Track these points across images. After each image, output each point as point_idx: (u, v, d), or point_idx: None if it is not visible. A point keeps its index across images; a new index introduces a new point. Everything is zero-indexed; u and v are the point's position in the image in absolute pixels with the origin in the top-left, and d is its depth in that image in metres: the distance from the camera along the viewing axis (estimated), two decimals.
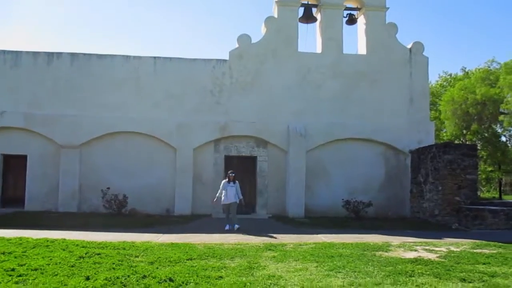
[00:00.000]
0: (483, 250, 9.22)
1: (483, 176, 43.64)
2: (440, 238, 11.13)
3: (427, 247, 9.57)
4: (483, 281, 6.36)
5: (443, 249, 9.39)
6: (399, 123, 17.19)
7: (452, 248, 9.48)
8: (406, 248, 9.46)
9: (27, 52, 16.67)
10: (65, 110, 16.35)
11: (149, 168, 16.47)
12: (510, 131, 34.76)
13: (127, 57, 16.89)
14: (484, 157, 36.14)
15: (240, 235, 11.25)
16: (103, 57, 16.84)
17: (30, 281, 5.52)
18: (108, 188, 15.27)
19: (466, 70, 35.92)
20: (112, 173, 16.26)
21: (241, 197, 12.86)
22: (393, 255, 8.47)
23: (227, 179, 12.98)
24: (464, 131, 32.42)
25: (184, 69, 16.81)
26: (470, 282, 6.27)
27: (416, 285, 5.98)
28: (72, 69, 16.59)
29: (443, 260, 8.04)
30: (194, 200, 16.32)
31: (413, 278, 6.43)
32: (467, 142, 34.84)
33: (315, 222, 14.43)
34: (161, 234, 10.98)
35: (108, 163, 16.39)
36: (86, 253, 7.51)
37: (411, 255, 8.57)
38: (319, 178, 16.87)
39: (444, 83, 37.47)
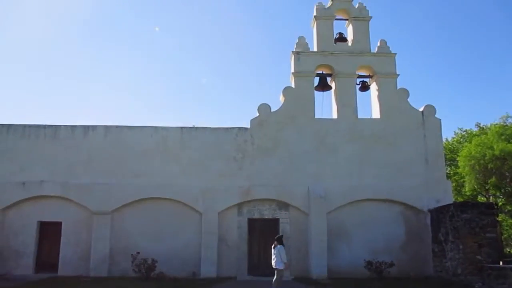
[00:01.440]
0: None
1: (511, 232, 42.80)
2: None
3: None
4: None
5: None
6: (416, 183, 17.72)
7: None
8: None
9: (65, 126, 18.17)
10: (98, 179, 17.49)
11: (176, 232, 17.22)
12: None
13: (155, 127, 18.21)
14: (510, 211, 35.76)
15: None
16: (133, 128, 18.20)
17: None
18: (138, 252, 16.01)
19: (481, 125, 36.51)
20: (141, 237, 17.04)
21: (284, 261, 12.83)
22: None
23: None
24: (486, 186, 32.40)
25: (208, 137, 17.98)
26: None
27: None
28: (105, 140, 17.92)
29: None
30: (219, 263, 16.83)
31: None
32: (491, 197, 34.74)
33: (338, 283, 14.74)
34: None
35: (137, 228, 17.21)
36: None
37: None
38: (341, 239, 17.28)
39: (461, 139, 37.95)
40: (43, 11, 62.93)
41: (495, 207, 17.57)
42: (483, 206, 15.30)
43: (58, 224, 17.37)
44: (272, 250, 13.22)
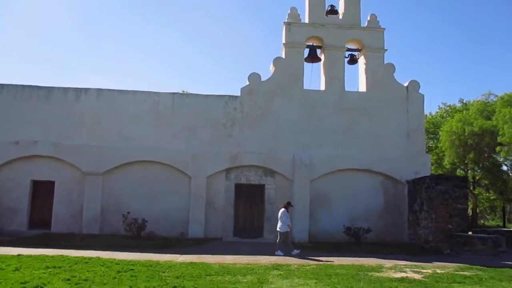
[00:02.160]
0: (464, 273, 10.47)
1: (487, 205, 44.59)
2: (430, 262, 12.36)
3: (415, 269, 10.84)
4: None
5: (429, 271, 10.66)
6: (397, 155, 18.56)
7: (438, 270, 10.74)
8: (396, 269, 10.74)
9: (58, 88, 18.41)
10: (90, 141, 17.94)
11: (165, 194, 17.90)
12: (511, 161, 35.80)
13: (147, 92, 18.56)
14: (487, 185, 37.25)
15: (253, 256, 12.54)
16: (125, 92, 18.52)
17: (88, 287, 6.93)
18: (129, 212, 16.73)
19: (464, 101, 37.48)
20: (131, 198, 17.71)
21: (287, 224, 13.94)
22: (383, 275, 9.78)
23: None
24: (465, 160, 33.62)
25: (199, 104, 18.44)
26: None
27: None
28: (97, 103, 18.25)
29: (425, 279, 9.34)
30: (206, 224, 17.66)
31: None
32: (469, 171, 36.08)
33: (318, 246, 15.70)
34: (180, 255, 12.34)
35: (128, 190, 17.84)
36: (121, 269, 8.92)
37: (399, 275, 9.87)
38: (322, 206, 18.18)
39: (444, 114, 38.95)
40: None
41: (467, 181, 18.57)
42: (457, 179, 16.25)
43: (51, 183, 17.90)
44: (280, 213, 14.28)
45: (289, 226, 14.18)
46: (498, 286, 8.79)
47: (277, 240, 14.16)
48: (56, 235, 16.42)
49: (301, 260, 12.12)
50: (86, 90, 18.41)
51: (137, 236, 16.29)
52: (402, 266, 11.37)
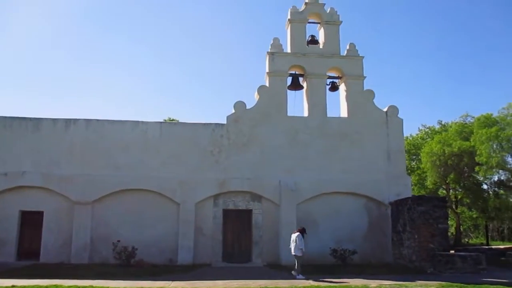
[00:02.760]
0: None
1: (470, 223, 45.44)
2: (413, 281, 12.84)
3: None
4: None
5: None
6: (379, 177, 19.21)
7: None
8: None
9: (47, 119, 18.73)
10: (80, 170, 18.19)
11: (154, 221, 18.15)
12: (490, 179, 36.79)
13: (136, 122, 19.00)
14: (469, 204, 38.09)
15: (243, 280, 12.84)
16: (114, 122, 18.93)
17: None
18: (119, 240, 16.91)
19: (443, 123, 38.74)
20: (121, 226, 17.89)
21: (300, 248, 14.62)
22: None
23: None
24: (446, 180, 34.49)
25: (186, 132, 18.93)
26: None
27: None
28: (86, 133, 18.60)
29: None
30: (195, 251, 17.88)
31: None
32: (450, 190, 36.95)
33: (305, 269, 15.99)
34: (171, 281, 12.60)
35: (117, 218, 18.04)
36: None
37: None
38: (309, 229, 18.42)
39: (424, 135, 40.08)
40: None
41: (446, 201, 19.26)
42: (436, 200, 16.89)
43: (40, 214, 18.03)
44: (292, 237, 14.96)
45: (302, 251, 14.73)
46: None
47: (296, 265, 14.57)
48: (46, 265, 16.46)
49: (289, 282, 12.47)
50: (75, 120, 18.77)
51: (127, 264, 16.44)
52: (387, 285, 11.83)
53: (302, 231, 15.09)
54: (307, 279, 13.77)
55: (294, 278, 14.03)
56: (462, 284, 11.93)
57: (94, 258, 17.57)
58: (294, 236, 15.01)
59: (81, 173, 18.12)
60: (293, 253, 14.85)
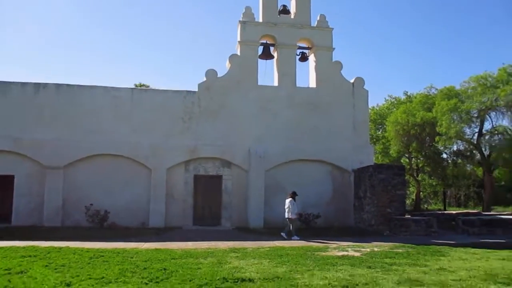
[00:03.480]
0: (398, 250, 12.05)
1: (430, 190, 47.79)
2: (370, 242, 13.90)
3: (356, 248, 12.32)
4: (383, 268, 9.12)
5: (368, 249, 12.16)
6: (344, 146, 20.14)
7: (375, 249, 12.26)
8: (340, 249, 12.17)
9: (16, 83, 18.55)
10: (50, 135, 18.28)
11: (126, 186, 18.60)
12: (449, 149, 38.68)
13: (106, 87, 19.07)
14: (429, 172, 40.03)
15: (212, 242, 13.61)
16: (85, 87, 18.93)
17: (67, 271, 7.79)
18: (91, 204, 17.34)
19: (408, 94, 40.08)
20: (93, 191, 18.26)
21: (288, 215, 15.58)
22: (328, 254, 11.16)
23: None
24: (409, 149, 36.09)
25: (158, 98, 19.18)
26: (373, 269, 9.01)
27: (335, 270, 8.66)
28: (57, 98, 18.58)
29: (362, 256, 10.81)
30: (167, 214, 18.54)
31: (335, 266, 9.13)
32: (413, 159, 38.70)
33: (272, 232, 16.97)
34: (144, 243, 13.21)
35: (90, 182, 18.38)
36: (93, 255, 9.77)
37: (341, 253, 11.29)
38: (276, 194, 19.42)
39: (390, 106, 41.41)
40: None
41: (405, 169, 20.44)
42: (396, 168, 18.00)
43: (11, 177, 18.14)
44: (286, 202, 15.85)
45: (297, 214, 15.85)
46: (421, 259, 10.37)
47: (290, 227, 15.53)
48: (18, 228, 16.72)
49: (256, 243, 13.31)
50: (45, 85, 18.68)
51: (99, 227, 16.96)
52: (345, 246, 12.82)
53: (293, 196, 16.00)
54: (301, 239, 14.78)
55: (284, 239, 14.95)
56: (413, 245, 13.06)
57: (67, 222, 17.98)
58: (287, 201, 15.91)
59: (52, 138, 18.22)
60: (286, 217, 15.78)
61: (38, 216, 17.94)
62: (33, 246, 11.17)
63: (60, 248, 10.94)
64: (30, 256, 9.46)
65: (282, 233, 15.57)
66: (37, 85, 18.62)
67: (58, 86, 18.76)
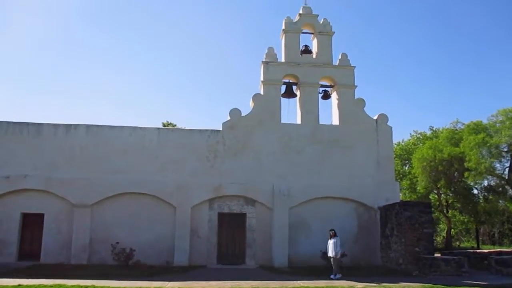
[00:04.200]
0: None
1: (461, 227, 46.22)
2: (398, 283, 13.54)
3: None
4: None
5: None
6: (368, 183, 19.94)
7: None
8: None
9: (48, 124, 19.36)
10: (79, 174, 18.82)
11: (152, 224, 18.80)
12: (480, 184, 37.61)
13: (134, 128, 19.67)
14: (459, 208, 38.86)
15: (236, 281, 13.52)
16: (113, 128, 19.58)
17: None
18: (118, 242, 17.57)
19: (434, 128, 39.62)
20: (119, 229, 18.52)
21: (337, 252, 15.74)
22: None
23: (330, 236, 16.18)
24: (437, 185, 35.27)
25: (183, 138, 19.62)
26: None
27: None
28: (87, 138, 19.24)
29: None
30: (191, 253, 18.55)
31: None
32: (442, 195, 37.73)
33: (296, 271, 16.76)
34: (168, 282, 13.25)
35: (116, 220, 18.69)
36: None
37: None
38: (301, 232, 19.31)
39: (416, 141, 40.89)
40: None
41: (431, 206, 19.98)
42: (422, 205, 17.63)
43: (41, 216, 18.65)
44: (328, 241, 16.07)
45: (340, 253, 16.00)
46: None
47: (334, 267, 15.71)
48: (46, 266, 17.05)
49: (280, 283, 13.13)
50: (76, 126, 19.41)
51: (125, 265, 17.08)
52: (372, 286, 12.51)
53: (336, 234, 16.21)
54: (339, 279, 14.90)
55: (331, 279, 15.03)
56: (443, 286, 12.67)
57: (93, 259, 18.20)
58: (333, 240, 15.96)
59: (81, 177, 18.74)
60: (332, 256, 15.85)
61: (66, 254, 18.24)
62: (59, 284, 11.36)
63: (86, 286, 11.07)
64: None
65: (331, 276, 15.33)
66: (68, 126, 19.37)
67: (88, 127, 19.46)
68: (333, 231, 16.24)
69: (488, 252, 20.79)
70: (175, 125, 37.50)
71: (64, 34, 71.42)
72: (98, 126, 19.55)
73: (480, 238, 44.77)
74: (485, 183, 34.92)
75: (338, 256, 15.78)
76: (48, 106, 72.51)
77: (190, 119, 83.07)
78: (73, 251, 18.13)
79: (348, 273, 16.06)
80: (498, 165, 31.27)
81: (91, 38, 74.07)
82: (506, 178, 31.13)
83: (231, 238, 19.34)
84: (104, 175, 18.89)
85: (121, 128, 19.59)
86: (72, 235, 18.32)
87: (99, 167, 18.99)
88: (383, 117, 20.81)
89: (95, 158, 19.06)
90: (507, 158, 31.00)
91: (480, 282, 13.57)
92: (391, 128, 20.79)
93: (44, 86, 72.51)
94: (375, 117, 20.83)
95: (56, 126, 19.35)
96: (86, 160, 19.02)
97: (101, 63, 74.63)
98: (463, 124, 35.20)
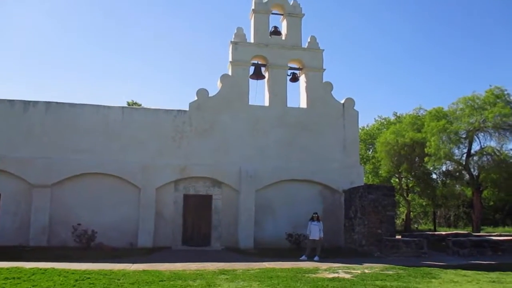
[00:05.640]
0: (388, 272, 11.98)
1: (420, 210, 47.90)
2: (361, 264, 13.81)
3: (347, 270, 12.22)
4: None
5: (358, 271, 12.07)
6: (334, 166, 20.17)
7: (366, 271, 12.18)
8: (330, 271, 12.07)
9: (4, 100, 18.39)
10: (39, 153, 18.06)
11: (115, 205, 18.36)
12: (439, 169, 38.91)
13: (97, 106, 18.98)
14: (419, 192, 40.18)
15: (201, 263, 13.43)
16: (75, 105, 18.83)
17: None
18: (79, 224, 17.07)
19: (398, 114, 40.53)
20: (81, 210, 17.99)
21: (321, 235, 15.89)
22: (318, 276, 11.05)
23: (311, 219, 16.15)
24: (399, 169, 36.25)
25: (148, 118, 19.12)
26: None
27: None
28: (46, 116, 18.43)
29: (353, 278, 10.71)
30: (155, 234, 18.29)
31: None
32: (403, 179, 38.83)
33: (262, 252, 16.84)
34: (131, 264, 12.98)
35: (78, 201, 18.12)
36: (79, 277, 9.55)
37: (332, 275, 11.19)
38: (266, 214, 19.38)
39: (380, 126, 41.75)
40: None
41: (395, 189, 20.48)
42: (386, 189, 18.00)
43: None
44: (310, 224, 16.03)
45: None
46: (412, 282, 10.32)
47: (318, 249, 15.71)
48: (3, 248, 16.31)
49: (245, 264, 13.15)
50: (35, 103, 18.56)
51: (86, 247, 16.66)
52: (336, 267, 12.72)
53: (318, 218, 16.33)
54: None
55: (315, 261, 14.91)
56: (403, 266, 13.00)
57: (53, 241, 17.64)
58: (316, 223, 16.05)
59: (40, 156, 18.01)
60: (315, 238, 15.85)
61: (24, 236, 17.54)
62: (17, 267, 10.90)
63: (45, 269, 10.69)
64: (13, 278, 9.23)
65: (315, 258, 15.28)
66: (26, 103, 18.48)
67: (47, 104, 18.64)
68: (316, 215, 16.36)
69: (446, 234, 21.59)
70: (140, 105, 36.64)
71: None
72: (58, 103, 18.77)
73: (437, 221, 46.58)
74: (444, 168, 36.24)
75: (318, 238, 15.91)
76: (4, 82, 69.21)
77: (156, 99, 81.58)
78: (31, 233, 17.48)
79: (312, 254, 16.24)
80: (456, 151, 32.38)
81: (57, 15, 70.86)
82: (464, 163, 32.33)
83: (197, 220, 19.18)
84: (65, 154, 18.22)
85: (83, 106, 18.88)
86: (31, 216, 17.64)
87: (59, 146, 18.29)
88: (350, 101, 20.99)
89: (55, 137, 18.32)
90: (465, 145, 32.15)
91: (438, 263, 14.04)
92: (357, 112, 21.02)
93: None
94: (342, 101, 20.97)
95: (12, 102, 18.43)
96: (46, 139, 18.26)
97: (65, 40, 71.70)
98: (425, 110, 36.18)
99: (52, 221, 17.80)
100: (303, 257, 15.31)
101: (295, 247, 18.08)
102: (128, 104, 36.44)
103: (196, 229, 19.11)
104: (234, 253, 16.87)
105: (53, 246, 17.30)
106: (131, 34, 78.34)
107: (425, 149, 31.05)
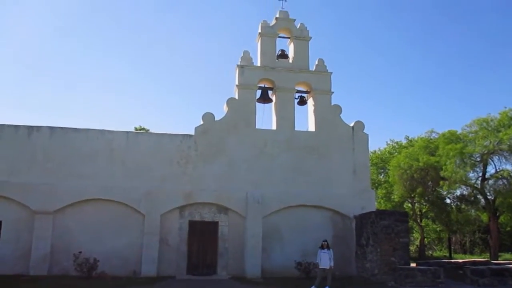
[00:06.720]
0: None
1: (434, 236, 46.54)
2: None
3: None
4: None
5: None
6: (344, 191, 19.49)
7: None
8: None
9: (9, 125, 18.22)
10: (41, 179, 17.71)
11: (118, 232, 17.81)
12: (453, 194, 37.87)
13: (102, 131, 18.71)
14: (433, 218, 39.07)
15: None
16: (79, 130, 18.58)
17: None
18: (80, 252, 16.54)
19: (410, 138, 39.85)
20: (83, 237, 17.47)
21: (332, 264, 15.02)
22: None
23: (321, 246, 15.34)
24: (412, 194, 35.34)
25: (153, 142, 18.77)
26: None
27: None
28: (50, 141, 18.17)
29: None
30: (159, 262, 17.64)
31: None
32: (416, 204, 37.83)
33: (269, 282, 16.13)
34: None
35: (80, 228, 17.62)
36: None
37: None
38: (274, 241, 18.67)
39: (392, 150, 41.04)
40: None
41: (408, 215, 19.70)
42: (399, 214, 17.27)
43: None
44: (320, 252, 15.19)
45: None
46: None
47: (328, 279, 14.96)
48: (2, 277, 15.86)
49: None
50: (39, 128, 18.35)
51: (88, 277, 16.09)
52: None
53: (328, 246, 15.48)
54: None
55: None
56: None
57: (54, 270, 17.09)
58: (326, 251, 15.21)
59: (43, 182, 17.64)
60: (325, 267, 15.01)
61: (24, 264, 17.03)
62: None
63: None
64: None
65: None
66: (30, 128, 18.28)
67: (51, 129, 18.42)
68: (326, 242, 15.52)
69: (462, 261, 20.57)
70: (148, 130, 36.50)
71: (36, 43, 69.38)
72: (62, 128, 18.53)
73: (452, 247, 45.12)
74: (458, 192, 35.25)
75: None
76: (9, 110, 69.98)
77: (163, 123, 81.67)
78: (32, 261, 16.96)
79: (322, 284, 15.49)
80: (471, 174, 31.54)
81: (58, 42, 72.19)
82: (479, 187, 31.40)
83: (202, 247, 18.53)
84: (68, 180, 17.85)
85: (87, 131, 18.62)
86: (32, 244, 17.16)
87: (63, 172, 17.94)
88: (360, 125, 20.47)
89: (58, 163, 18.01)
90: (480, 168, 31.30)
91: None
92: (367, 135, 20.46)
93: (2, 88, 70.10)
94: (352, 124, 20.46)
95: (17, 127, 18.23)
96: (49, 165, 17.95)
97: (68, 67, 72.76)
98: (437, 133, 35.49)
99: (53, 249, 17.29)
100: None
101: (304, 276, 17.30)
102: (136, 129, 36.31)
103: (202, 257, 18.43)
104: (241, 282, 16.17)
105: (54, 275, 16.74)
106: (137, 56, 79.30)
107: (441, 173, 30.25)
